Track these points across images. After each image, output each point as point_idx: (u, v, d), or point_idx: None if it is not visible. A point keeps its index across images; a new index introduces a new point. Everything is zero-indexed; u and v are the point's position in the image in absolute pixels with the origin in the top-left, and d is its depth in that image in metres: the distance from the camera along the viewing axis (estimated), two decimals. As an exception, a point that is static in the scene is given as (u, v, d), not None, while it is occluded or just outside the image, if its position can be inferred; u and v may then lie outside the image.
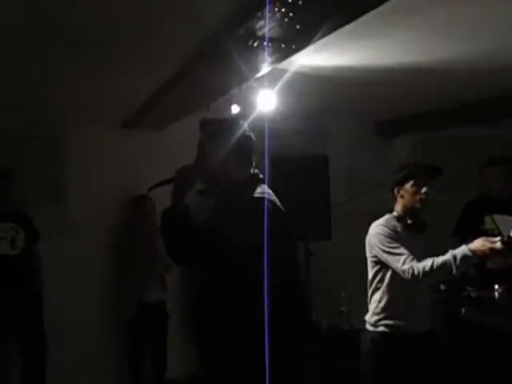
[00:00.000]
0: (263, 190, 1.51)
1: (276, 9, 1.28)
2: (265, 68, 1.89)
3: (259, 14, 1.31)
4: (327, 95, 2.95)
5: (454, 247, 2.01)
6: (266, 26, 1.34)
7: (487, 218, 2.88)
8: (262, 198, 1.43)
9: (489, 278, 2.59)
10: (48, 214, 3.29)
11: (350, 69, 2.29)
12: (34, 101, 2.81)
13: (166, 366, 3.41)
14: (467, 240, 3.02)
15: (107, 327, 3.54)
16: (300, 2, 1.23)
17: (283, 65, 2.04)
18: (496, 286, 2.50)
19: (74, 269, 3.39)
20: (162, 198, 3.74)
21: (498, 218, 2.85)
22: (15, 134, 3.28)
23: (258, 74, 2.01)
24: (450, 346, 2.59)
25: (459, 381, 2.54)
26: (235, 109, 2.67)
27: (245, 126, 1.56)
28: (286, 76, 2.20)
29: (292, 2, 1.22)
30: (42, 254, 3.24)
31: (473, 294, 2.59)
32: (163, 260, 3.30)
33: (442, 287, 2.74)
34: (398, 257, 2.02)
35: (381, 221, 2.20)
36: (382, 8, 1.39)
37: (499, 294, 2.49)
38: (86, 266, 3.44)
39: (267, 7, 1.27)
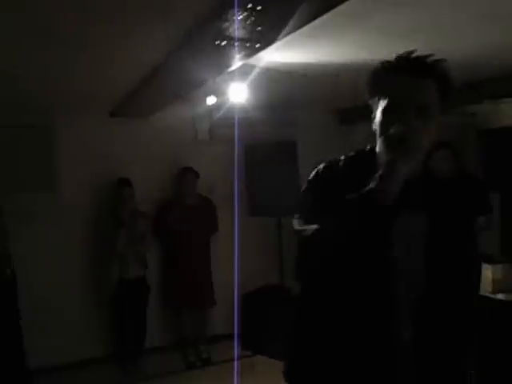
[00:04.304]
0: None
1: (239, 13, 1.36)
2: (235, 63, 1.97)
3: (224, 16, 1.39)
4: (293, 87, 3.04)
5: None
6: (231, 27, 1.43)
7: None
8: None
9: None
10: (38, 201, 3.25)
11: (310, 65, 2.39)
12: (22, 90, 2.76)
13: (145, 336, 3.42)
14: None
15: (91, 302, 3.57)
16: (259, 8, 1.32)
17: (253, 61, 2.12)
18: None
19: (62, 250, 3.41)
20: (143, 182, 3.80)
21: None
22: (4, 123, 3.19)
23: (230, 69, 2.09)
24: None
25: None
26: (212, 99, 2.74)
27: None
28: (255, 70, 2.27)
29: (251, 7, 1.31)
30: (32, 238, 3.20)
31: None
32: (143, 239, 3.38)
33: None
34: None
35: None
36: (332, 13, 1.49)
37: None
38: (72, 248, 3.47)
39: (231, 11, 1.35)
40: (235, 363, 1.31)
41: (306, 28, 1.59)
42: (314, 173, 1.12)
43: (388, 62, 1.02)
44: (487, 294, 2.42)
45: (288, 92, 3.19)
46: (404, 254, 0.99)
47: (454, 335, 1.00)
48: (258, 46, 1.65)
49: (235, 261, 1.11)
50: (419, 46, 2.19)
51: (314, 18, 1.51)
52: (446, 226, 0.99)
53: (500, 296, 2.38)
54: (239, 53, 1.74)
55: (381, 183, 0.90)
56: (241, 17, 1.37)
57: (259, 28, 1.47)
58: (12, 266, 2.96)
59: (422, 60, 0.99)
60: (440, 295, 0.98)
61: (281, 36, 1.60)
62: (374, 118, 1.04)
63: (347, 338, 1.00)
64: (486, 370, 2.38)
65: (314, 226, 0.99)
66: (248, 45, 1.62)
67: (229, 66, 1.98)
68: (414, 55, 1.00)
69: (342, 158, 1.12)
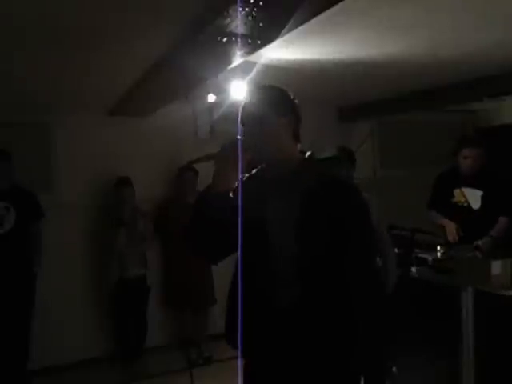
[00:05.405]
0: None
1: (240, 8, 1.37)
2: (236, 60, 1.97)
3: (226, 12, 1.40)
4: (293, 84, 3.04)
5: None
6: (233, 24, 1.43)
7: (457, 192, 2.89)
8: None
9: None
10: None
11: (310, 62, 2.40)
12: (22, 89, 2.76)
13: (145, 335, 3.42)
14: (442, 211, 2.99)
15: (92, 301, 3.56)
16: (261, 4, 1.32)
17: (253, 58, 2.13)
18: (438, 248, 2.69)
19: (62, 249, 3.41)
20: (144, 181, 3.79)
21: (466, 191, 2.87)
22: (3, 122, 3.19)
23: (231, 66, 2.09)
24: (403, 299, 2.70)
25: (412, 327, 2.69)
26: (212, 97, 2.74)
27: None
28: (256, 68, 2.28)
29: (253, 3, 1.31)
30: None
31: (420, 255, 2.77)
32: (143, 238, 3.38)
33: (396, 250, 2.90)
34: None
35: None
36: (333, 10, 1.50)
37: (441, 254, 2.69)
38: (72, 247, 3.47)
39: (233, 7, 1.35)
40: (238, 361, 1.37)
41: (306, 25, 1.59)
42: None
43: None
44: (487, 289, 2.43)
45: (288, 89, 3.18)
46: (276, 230, 1.25)
47: (332, 301, 1.20)
48: (259, 42, 1.66)
49: (239, 258, 1.25)
50: (419, 43, 2.21)
51: (315, 15, 1.51)
52: (310, 213, 1.21)
53: (499, 291, 2.39)
54: (240, 49, 1.74)
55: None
56: (243, 13, 1.38)
57: (261, 24, 1.48)
58: (41, 266, 3.07)
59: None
60: (310, 268, 1.20)
61: (282, 32, 1.61)
62: None
63: (245, 295, 1.29)
64: (485, 364, 2.40)
65: None
66: (250, 41, 1.62)
67: (230, 62, 1.98)
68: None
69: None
